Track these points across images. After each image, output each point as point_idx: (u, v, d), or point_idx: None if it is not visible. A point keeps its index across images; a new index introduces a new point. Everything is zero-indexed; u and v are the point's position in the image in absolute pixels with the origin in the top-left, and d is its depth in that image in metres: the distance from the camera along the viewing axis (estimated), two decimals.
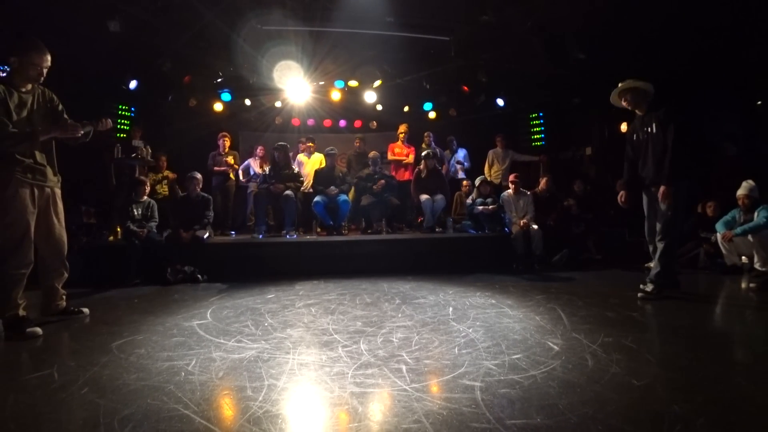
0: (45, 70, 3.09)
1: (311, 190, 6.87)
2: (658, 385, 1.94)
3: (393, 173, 7.66)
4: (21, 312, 2.98)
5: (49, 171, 3.18)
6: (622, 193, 4.15)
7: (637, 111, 4.04)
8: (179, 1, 5.50)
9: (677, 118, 3.74)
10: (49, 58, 3.08)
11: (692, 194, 3.94)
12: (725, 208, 5.30)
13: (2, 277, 2.94)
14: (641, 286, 3.83)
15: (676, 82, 6.92)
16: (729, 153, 6.35)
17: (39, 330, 2.93)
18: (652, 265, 4.05)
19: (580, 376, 2.04)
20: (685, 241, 5.50)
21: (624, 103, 4.03)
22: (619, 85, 3.99)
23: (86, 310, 3.46)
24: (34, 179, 3.07)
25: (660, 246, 3.80)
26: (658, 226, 3.82)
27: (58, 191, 3.30)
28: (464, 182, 7.52)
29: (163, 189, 6.98)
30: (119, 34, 5.76)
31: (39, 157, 3.10)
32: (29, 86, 3.11)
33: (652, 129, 3.86)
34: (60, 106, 3.30)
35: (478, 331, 2.80)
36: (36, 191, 3.09)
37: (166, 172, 7.13)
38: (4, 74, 5.81)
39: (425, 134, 7.91)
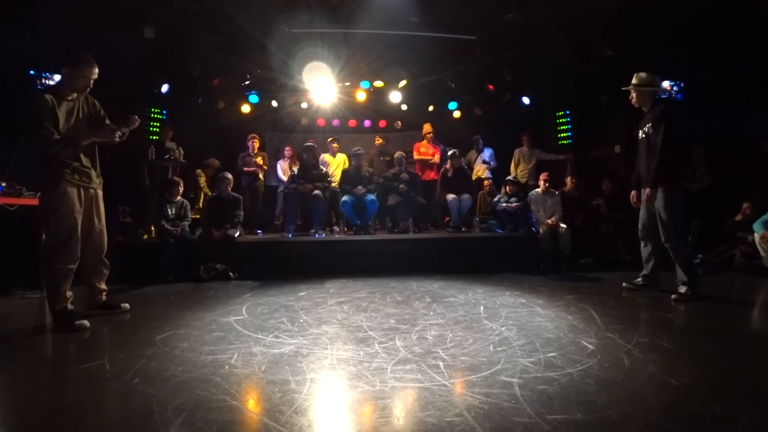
0: (92, 81, 3.28)
1: (338, 189, 6.96)
2: (697, 385, 1.93)
3: (419, 173, 7.69)
4: (69, 306, 3.15)
5: (93, 173, 3.36)
6: (633, 192, 4.16)
7: (643, 108, 4.04)
8: (211, 6, 5.64)
9: (669, 119, 3.71)
10: (96, 70, 3.27)
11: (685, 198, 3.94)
12: (762, 207, 5.16)
13: (52, 272, 3.13)
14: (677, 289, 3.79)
15: (708, 76, 6.79)
16: (765, 149, 6.15)
17: (86, 323, 3.07)
18: (640, 277, 4.16)
19: (617, 375, 2.04)
20: (719, 242, 5.40)
21: (636, 100, 4.05)
22: (635, 79, 4.02)
23: (126, 305, 3.61)
24: (81, 181, 3.25)
25: (669, 249, 3.79)
26: (660, 230, 3.80)
27: (100, 192, 3.47)
28: (485, 182, 7.47)
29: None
30: (152, 40, 5.95)
31: (84, 160, 3.28)
32: (74, 95, 3.28)
33: (648, 129, 3.87)
34: (102, 111, 3.47)
35: (511, 330, 2.81)
36: (82, 192, 3.26)
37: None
38: (52, 83, 6.14)
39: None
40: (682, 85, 7.23)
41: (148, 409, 1.76)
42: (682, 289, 3.72)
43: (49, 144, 3.04)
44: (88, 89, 3.30)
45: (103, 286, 3.56)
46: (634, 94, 4.01)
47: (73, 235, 3.16)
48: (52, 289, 3.14)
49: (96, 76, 3.28)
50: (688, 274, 3.72)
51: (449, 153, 7.02)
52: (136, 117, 3.52)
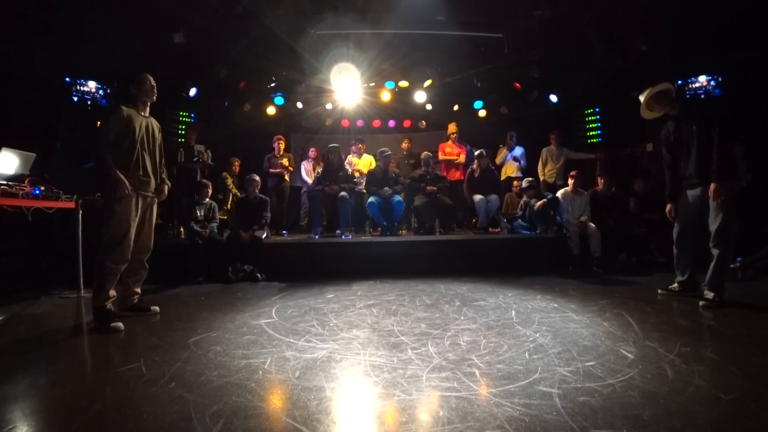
0: (155, 87, 3.61)
1: (364, 190, 6.95)
2: (750, 401, 1.83)
3: (444, 173, 7.62)
4: (110, 306, 3.26)
5: (152, 182, 3.56)
6: (670, 206, 3.97)
7: (670, 112, 3.88)
8: (239, 10, 5.70)
9: (720, 121, 3.56)
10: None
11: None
12: None
13: (103, 270, 3.27)
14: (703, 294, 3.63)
15: (748, 70, 6.52)
16: None
17: (121, 325, 3.15)
18: (676, 283, 3.98)
19: (660, 387, 1.97)
20: (761, 245, 5.17)
21: (657, 110, 3.92)
22: (643, 97, 3.91)
23: (156, 308, 3.69)
24: (140, 189, 3.44)
25: (715, 253, 3.59)
26: (713, 233, 3.60)
27: (156, 200, 3.67)
28: (515, 182, 7.30)
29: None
30: (181, 44, 6.06)
31: (144, 170, 3.48)
32: (147, 109, 3.60)
33: (692, 128, 3.68)
34: (160, 139, 3.73)
35: (545, 336, 2.75)
36: (140, 200, 3.45)
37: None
38: (86, 89, 6.37)
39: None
40: (720, 79, 6.95)
41: (186, 415, 1.78)
42: (710, 295, 3.56)
43: (99, 165, 3.28)
44: (155, 96, 3.61)
45: (138, 288, 3.66)
46: (663, 101, 3.85)
47: (126, 238, 3.31)
48: (98, 286, 3.26)
49: (153, 80, 3.60)
50: (721, 281, 3.57)
51: (476, 153, 6.92)
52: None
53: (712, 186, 3.51)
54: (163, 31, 5.95)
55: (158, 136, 3.69)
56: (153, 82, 3.60)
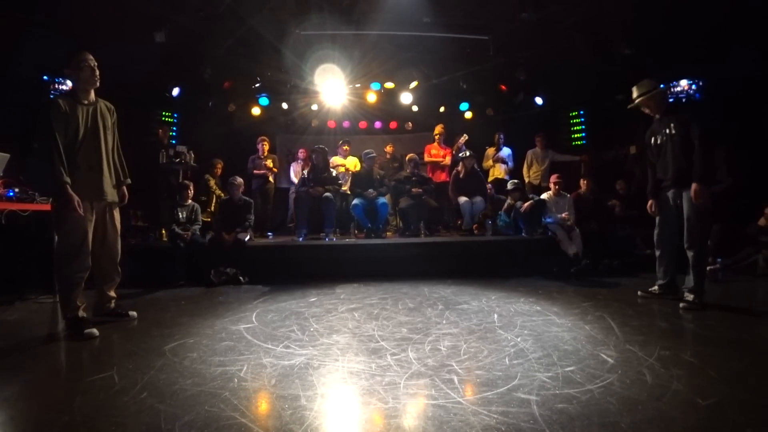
0: (96, 69, 3.22)
1: (348, 191, 6.92)
2: (727, 405, 1.83)
3: (429, 174, 7.61)
4: (81, 313, 3.16)
5: (106, 179, 3.32)
6: (651, 202, 4.02)
7: (656, 115, 3.93)
8: (223, 9, 5.63)
9: (701, 123, 3.60)
10: (91, 56, 3.24)
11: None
12: None
13: (65, 281, 3.14)
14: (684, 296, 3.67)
15: (729, 75, 6.61)
16: None
17: (96, 331, 3.06)
18: (656, 285, 4.02)
19: (639, 393, 1.96)
20: (741, 246, 5.25)
21: (646, 110, 3.97)
22: (637, 97, 3.94)
23: (134, 314, 3.58)
24: (91, 190, 3.22)
25: (690, 255, 3.65)
26: (686, 235, 3.66)
27: (116, 200, 3.46)
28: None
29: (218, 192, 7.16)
30: (164, 43, 5.96)
31: (98, 164, 3.26)
32: (91, 97, 3.26)
33: (671, 130, 3.73)
34: (115, 123, 3.44)
35: (527, 341, 2.74)
36: (93, 203, 3.26)
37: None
38: (65, 88, 6.20)
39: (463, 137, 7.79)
40: (700, 83, 7.05)
41: (156, 426, 1.73)
42: (690, 297, 3.60)
43: (50, 167, 3.02)
44: (97, 81, 3.23)
45: (113, 293, 3.55)
46: (647, 107, 3.92)
47: (84, 245, 3.16)
48: (63, 297, 3.16)
49: (94, 61, 3.22)
50: (699, 283, 3.60)
51: (460, 155, 6.92)
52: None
53: (693, 186, 3.54)
54: (145, 30, 5.85)
55: (111, 121, 3.36)
56: (93, 64, 3.18)
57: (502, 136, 8.04)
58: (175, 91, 7.63)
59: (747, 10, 5.46)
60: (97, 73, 3.23)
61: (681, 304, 3.58)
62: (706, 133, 3.57)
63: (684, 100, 7.15)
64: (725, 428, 1.66)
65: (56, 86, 6.49)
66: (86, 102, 3.22)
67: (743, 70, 6.40)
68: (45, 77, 6.44)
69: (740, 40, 5.99)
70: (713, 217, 5.44)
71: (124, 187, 3.53)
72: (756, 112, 6.53)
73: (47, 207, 4.37)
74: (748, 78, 6.43)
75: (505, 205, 6.44)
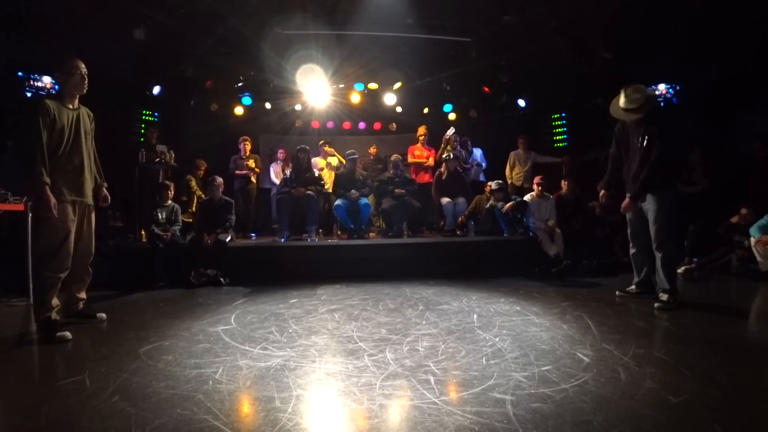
0: (86, 76, 3.26)
1: (330, 190, 6.90)
2: (697, 402, 1.86)
3: (413, 176, 7.62)
4: (54, 316, 3.09)
5: (88, 182, 3.33)
6: (603, 192, 4.18)
7: (633, 117, 3.86)
8: (203, 7, 5.56)
9: (664, 131, 3.67)
10: (82, 63, 3.26)
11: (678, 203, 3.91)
12: (759, 212, 5.11)
13: (41, 281, 3.09)
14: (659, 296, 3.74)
15: (707, 79, 6.75)
16: (759, 153, 6.08)
17: (68, 334, 2.98)
18: (633, 284, 4.11)
19: (613, 391, 1.98)
20: (716, 246, 5.36)
21: (636, 114, 3.81)
22: (627, 99, 3.80)
23: (103, 315, 3.52)
24: (74, 191, 3.21)
25: (658, 256, 3.73)
26: (652, 236, 3.76)
27: (93, 203, 3.44)
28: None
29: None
30: (144, 41, 5.87)
31: (80, 167, 3.25)
32: (76, 101, 3.28)
33: (644, 138, 3.76)
34: (93, 129, 3.45)
35: (505, 340, 2.75)
36: (76, 205, 3.24)
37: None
38: (40, 84, 6.08)
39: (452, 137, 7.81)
40: (678, 88, 7.19)
41: (125, 430, 1.70)
42: (664, 297, 3.66)
43: (31, 166, 2.98)
44: (85, 88, 3.27)
45: (82, 294, 3.49)
46: (647, 107, 3.80)
47: (65, 246, 3.11)
48: (39, 297, 3.09)
49: (85, 69, 3.26)
50: (671, 283, 3.67)
51: (443, 156, 6.94)
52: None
53: (648, 197, 3.72)
54: (125, 26, 5.74)
55: (91, 128, 3.40)
56: (84, 71, 3.24)
57: (468, 141, 8.17)
58: (156, 90, 7.51)
59: (722, 15, 5.58)
60: (87, 81, 3.27)
61: (656, 304, 3.64)
62: (666, 149, 3.64)
63: (662, 104, 7.27)
64: (694, 425, 1.69)
65: (31, 83, 6.33)
66: (71, 107, 3.24)
67: (719, 74, 6.54)
68: (20, 73, 6.28)
69: (716, 44, 6.12)
70: (691, 218, 5.61)
71: (105, 190, 3.54)
72: (730, 114, 6.69)
73: (20, 207, 4.28)
74: (724, 82, 6.57)
75: (488, 204, 6.48)
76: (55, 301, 3.12)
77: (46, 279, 3.08)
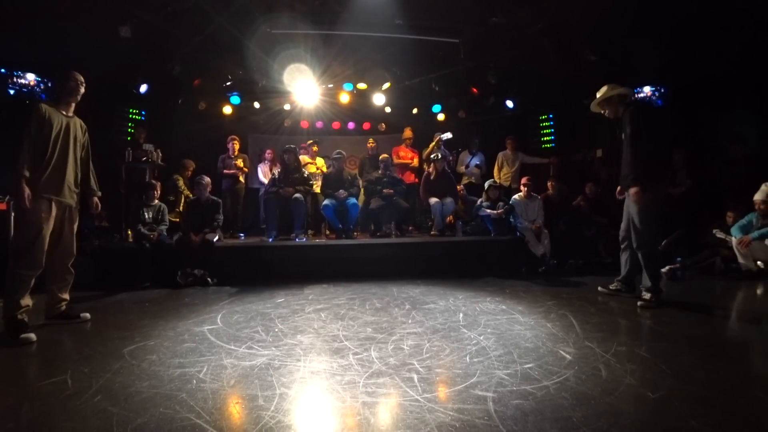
0: (82, 86, 3.39)
1: (318, 190, 6.90)
2: (674, 398, 1.90)
3: (399, 175, 7.63)
4: (20, 316, 3.06)
5: (72, 187, 3.35)
6: (619, 188, 4.17)
7: (610, 116, 4.06)
8: (190, 5, 5.52)
9: (635, 120, 3.74)
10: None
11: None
12: (742, 214, 5.21)
13: (12, 277, 3.06)
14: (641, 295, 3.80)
15: (691, 81, 6.86)
16: (736, 155, 6.18)
17: (33, 336, 2.94)
18: (616, 282, 4.15)
19: (593, 388, 2.01)
20: (702, 248, 5.45)
21: (600, 109, 4.09)
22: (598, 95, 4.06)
23: (87, 315, 3.49)
24: (54, 192, 3.21)
25: (640, 255, 3.80)
26: (633, 236, 3.82)
27: (76, 206, 3.44)
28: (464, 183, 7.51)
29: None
30: (130, 39, 5.81)
31: (64, 171, 3.27)
32: (71, 109, 3.38)
33: (622, 135, 3.87)
34: (87, 142, 3.55)
35: (489, 339, 2.78)
36: (54, 205, 3.22)
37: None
38: (24, 81, 6.01)
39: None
40: (662, 90, 7.29)
41: (107, 429, 1.69)
42: (647, 296, 3.72)
43: (14, 161, 3.04)
44: (80, 95, 3.39)
45: (65, 295, 3.46)
46: (606, 110, 4.03)
47: (38, 241, 3.09)
48: (8, 294, 3.06)
49: (82, 78, 3.39)
50: (654, 282, 3.73)
51: (432, 156, 6.96)
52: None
53: (632, 190, 3.72)
54: (111, 24, 5.68)
55: (82, 138, 3.48)
56: (80, 80, 3.38)
57: (477, 142, 8.21)
58: (143, 88, 7.43)
59: (705, 19, 5.67)
60: (82, 89, 3.39)
61: (638, 303, 3.70)
62: (638, 136, 3.70)
63: (639, 103, 7.37)
64: (670, 420, 1.72)
65: (14, 80, 6.24)
66: (65, 113, 3.33)
67: (702, 77, 6.65)
68: (2, 70, 6.18)
69: (700, 47, 6.22)
70: (677, 220, 5.69)
71: (97, 199, 3.60)
72: (712, 117, 6.80)
73: (2, 206, 4.22)
74: (706, 84, 6.68)
75: (479, 201, 6.53)
76: (26, 302, 3.09)
77: (17, 276, 3.06)
